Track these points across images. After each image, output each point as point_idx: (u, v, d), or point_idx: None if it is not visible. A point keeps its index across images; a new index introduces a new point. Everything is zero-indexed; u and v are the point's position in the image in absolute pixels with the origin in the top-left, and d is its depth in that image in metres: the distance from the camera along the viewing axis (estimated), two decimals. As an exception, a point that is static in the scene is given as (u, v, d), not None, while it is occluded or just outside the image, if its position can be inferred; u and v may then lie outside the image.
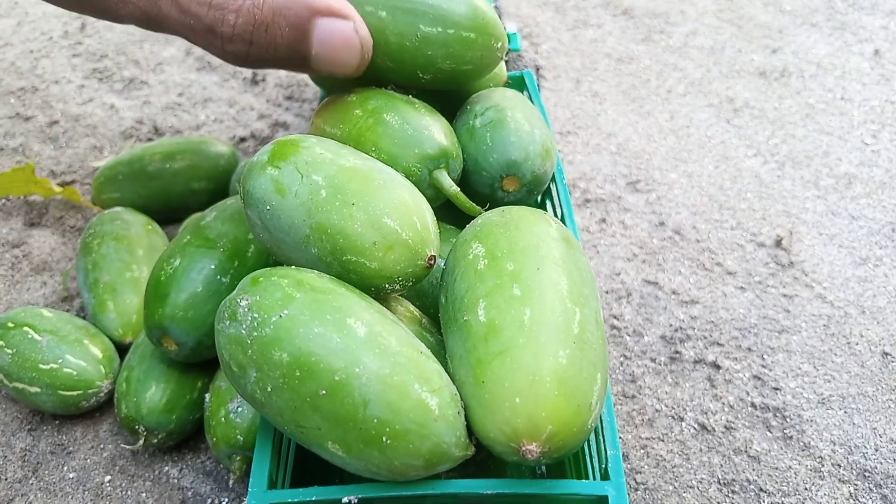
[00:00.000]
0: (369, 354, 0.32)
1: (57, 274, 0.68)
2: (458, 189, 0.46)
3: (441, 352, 0.39)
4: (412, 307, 0.43)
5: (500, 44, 0.49)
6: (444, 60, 0.48)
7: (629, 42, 1.02)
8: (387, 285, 0.38)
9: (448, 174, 0.46)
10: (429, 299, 0.46)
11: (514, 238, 0.37)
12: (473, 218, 0.44)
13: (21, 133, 0.85)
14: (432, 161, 0.46)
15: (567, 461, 0.45)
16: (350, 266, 0.37)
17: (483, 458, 0.36)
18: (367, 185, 0.38)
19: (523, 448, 0.31)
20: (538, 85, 0.84)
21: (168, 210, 0.71)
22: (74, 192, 0.73)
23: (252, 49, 0.44)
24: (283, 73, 0.95)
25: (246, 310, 0.33)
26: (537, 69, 0.92)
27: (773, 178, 0.80)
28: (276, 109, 0.88)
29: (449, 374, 0.36)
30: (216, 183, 0.71)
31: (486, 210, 0.46)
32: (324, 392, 0.32)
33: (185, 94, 0.91)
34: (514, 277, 0.35)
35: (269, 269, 0.36)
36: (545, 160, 0.50)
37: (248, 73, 0.95)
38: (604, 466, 0.36)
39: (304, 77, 0.94)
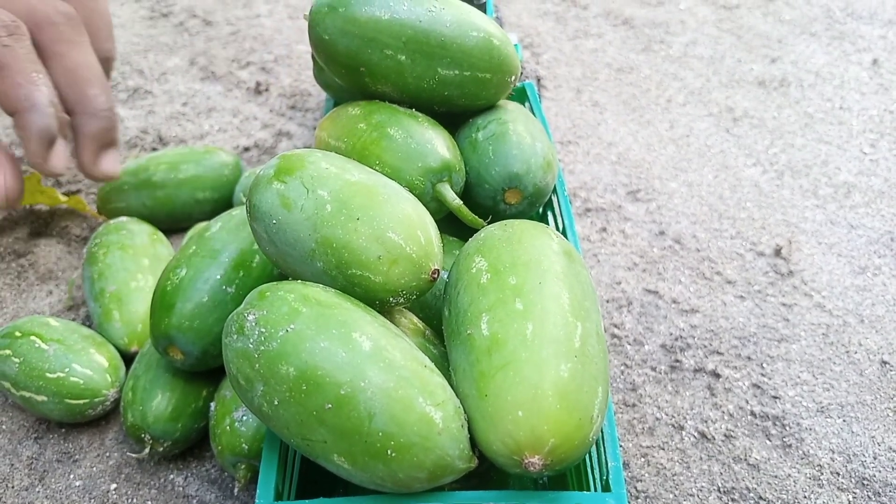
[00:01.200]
0: (374, 368, 0.33)
1: (63, 283, 0.69)
2: (461, 202, 0.47)
3: (444, 363, 0.40)
4: (416, 319, 0.44)
5: (513, 77, 0.51)
6: (460, 98, 0.50)
7: (629, 52, 1.03)
8: (391, 298, 0.38)
9: (451, 187, 0.47)
10: (432, 310, 0.47)
11: (516, 252, 0.38)
12: (476, 230, 0.45)
13: (26, 142, 0.85)
14: (435, 174, 0.46)
15: (569, 473, 0.46)
16: (355, 280, 0.38)
17: (485, 470, 0.36)
18: (372, 199, 0.38)
19: (526, 461, 0.32)
20: (539, 95, 0.85)
21: (173, 219, 0.72)
22: (80, 202, 0.74)
23: None
24: (286, 82, 0.96)
25: (253, 324, 0.34)
26: (538, 80, 0.93)
27: (772, 187, 0.80)
28: (280, 119, 0.89)
29: (452, 387, 0.36)
30: (220, 192, 0.72)
31: (488, 222, 0.47)
32: (330, 406, 0.32)
33: (189, 104, 0.92)
34: (516, 292, 0.36)
35: (275, 283, 0.36)
36: (546, 173, 0.50)
37: (251, 82, 0.95)
38: (605, 478, 0.37)
39: (308, 87, 0.94)
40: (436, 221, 0.42)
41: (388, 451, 0.32)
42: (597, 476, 0.39)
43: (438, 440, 0.33)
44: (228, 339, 0.35)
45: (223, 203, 0.72)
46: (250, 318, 0.34)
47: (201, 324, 0.49)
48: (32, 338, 0.55)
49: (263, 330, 0.34)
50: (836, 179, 0.81)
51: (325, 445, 0.33)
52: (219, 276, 0.50)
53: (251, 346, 0.34)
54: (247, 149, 0.85)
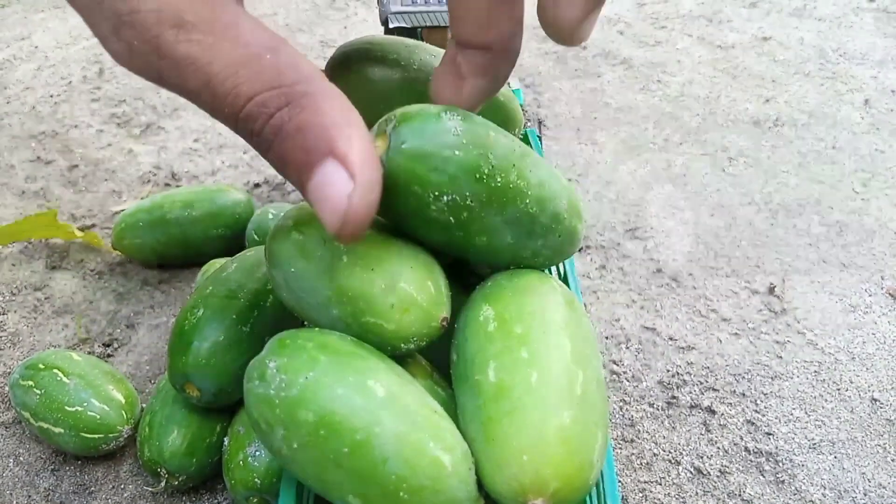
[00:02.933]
0: (388, 414, 0.35)
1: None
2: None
3: (451, 405, 0.42)
4: (424, 361, 0.46)
5: (516, 129, 0.54)
6: None
7: (627, 91, 1.06)
8: (402, 345, 0.40)
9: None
10: (438, 353, 0.49)
11: (522, 302, 0.40)
12: (482, 277, 0.47)
13: (42, 177, 0.88)
14: (443, 223, 0.49)
15: (569, 511, 0.47)
16: (369, 327, 0.40)
17: (491, 510, 0.38)
18: (386, 250, 0.41)
19: (530, 503, 0.34)
20: (540, 136, 0.88)
21: (186, 255, 0.74)
22: (95, 237, 0.76)
23: (269, 155, 0.34)
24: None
25: (274, 371, 0.36)
26: (539, 123, 0.96)
27: (766, 226, 0.83)
28: (289, 155, 0.92)
29: (460, 429, 0.38)
30: (233, 230, 0.74)
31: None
32: (346, 450, 0.34)
33: (200, 140, 0.95)
34: (522, 340, 0.38)
35: (295, 331, 0.39)
36: (549, 220, 0.53)
37: (261, 118, 0.98)
38: (604, 518, 0.39)
39: (315, 123, 0.97)
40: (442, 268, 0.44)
41: (401, 493, 0.34)
42: (597, 515, 0.41)
43: (448, 483, 0.35)
44: (250, 385, 0.37)
45: (235, 240, 0.75)
46: (271, 365, 0.36)
47: (218, 362, 0.51)
48: (55, 371, 0.57)
49: (284, 377, 0.36)
50: (828, 219, 0.84)
51: (342, 487, 0.35)
52: (234, 316, 0.52)
53: (272, 392, 0.36)
54: (257, 185, 0.87)
